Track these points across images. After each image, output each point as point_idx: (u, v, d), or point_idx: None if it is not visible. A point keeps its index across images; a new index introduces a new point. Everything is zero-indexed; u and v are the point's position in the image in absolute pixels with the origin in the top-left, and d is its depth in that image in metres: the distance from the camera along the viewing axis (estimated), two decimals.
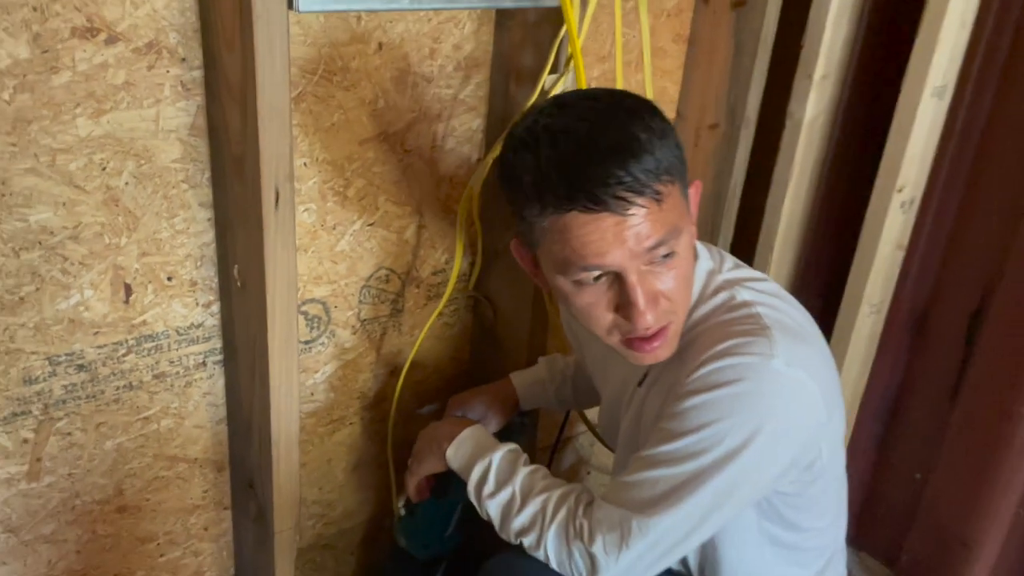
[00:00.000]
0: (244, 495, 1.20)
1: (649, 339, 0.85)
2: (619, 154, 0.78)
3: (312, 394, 1.27)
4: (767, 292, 0.91)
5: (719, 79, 1.44)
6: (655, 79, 1.45)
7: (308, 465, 1.31)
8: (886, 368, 1.61)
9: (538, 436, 1.42)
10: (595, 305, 0.85)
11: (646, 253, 0.81)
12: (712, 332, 0.87)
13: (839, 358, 1.50)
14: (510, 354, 1.34)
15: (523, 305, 1.30)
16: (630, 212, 0.78)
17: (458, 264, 1.27)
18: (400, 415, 1.32)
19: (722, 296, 0.90)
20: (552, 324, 1.32)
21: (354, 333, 1.27)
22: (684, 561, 1.06)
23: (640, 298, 0.82)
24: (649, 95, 1.31)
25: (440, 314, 1.35)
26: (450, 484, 1.17)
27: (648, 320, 0.83)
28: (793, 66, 1.43)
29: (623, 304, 0.83)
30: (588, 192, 0.78)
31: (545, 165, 0.80)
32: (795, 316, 0.90)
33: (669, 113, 1.45)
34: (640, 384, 0.97)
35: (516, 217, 0.87)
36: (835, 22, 1.37)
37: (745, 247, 1.63)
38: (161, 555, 1.22)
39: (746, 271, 0.95)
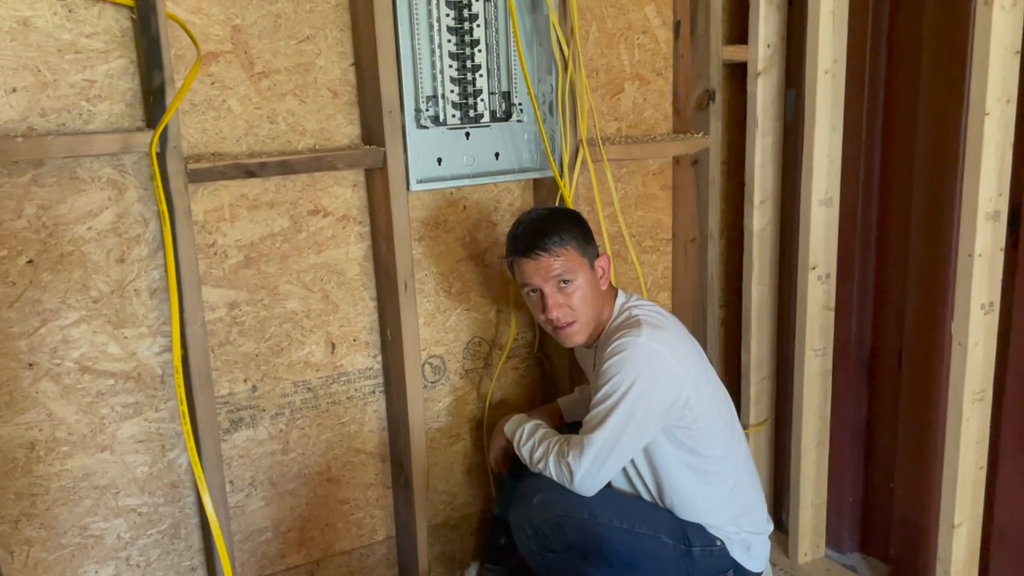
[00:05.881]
0: (397, 471, 2.00)
1: (562, 328, 1.65)
2: (541, 234, 1.62)
3: (438, 416, 2.08)
4: (648, 309, 1.66)
5: (692, 210, 2.20)
6: (651, 214, 2.24)
7: (438, 464, 2.10)
8: (851, 402, 2.18)
9: None
10: (535, 306, 1.68)
11: (552, 279, 1.61)
12: (616, 331, 1.62)
13: (799, 390, 2.10)
14: (562, 390, 2.09)
15: (565, 359, 2.07)
16: (541, 259, 1.61)
17: (512, 334, 2.08)
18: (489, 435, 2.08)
19: (625, 314, 1.66)
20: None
21: (461, 378, 2.09)
22: (648, 491, 1.73)
23: (549, 302, 1.63)
24: (644, 224, 2.11)
25: (516, 368, 2.15)
26: (523, 468, 1.90)
27: (554, 314, 1.62)
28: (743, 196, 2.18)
29: (545, 307, 1.63)
30: (524, 251, 1.62)
31: (513, 238, 1.67)
32: (662, 320, 1.64)
33: (665, 235, 2.24)
34: (594, 368, 1.71)
35: (507, 259, 1.72)
36: (761, 167, 2.11)
37: (733, 319, 2.32)
38: (351, 514, 2.03)
39: (642, 302, 1.70)
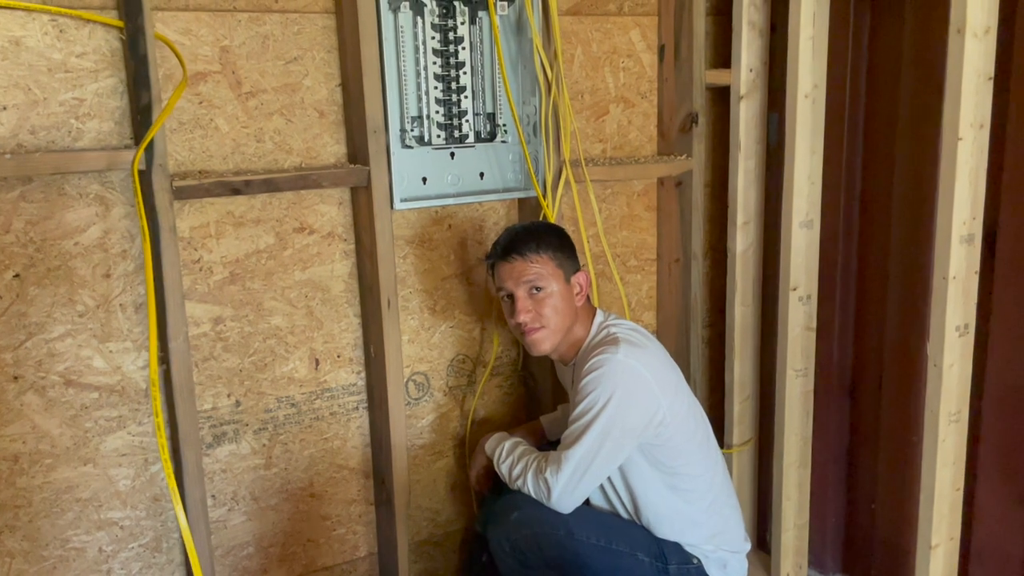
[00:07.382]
0: (379, 488, 2.01)
1: (529, 333, 1.68)
2: (519, 241, 1.67)
3: (421, 433, 2.09)
4: (627, 327, 1.68)
5: (676, 231, 2.22)
6: (636, 234, 2.26)
7: (421, 481, 2.11)
8: (833, 422, 2.20)
9: None
10: (507, 310, 1.72)
11: (524, 284, 1.65)
12: (594, 348, 1.64)
13: (781, 410, 2.11)
14: (545, 408, 2.11)
15: (548, 377, 2.08)
16: (515, 263, 1.66)
17: (495, 352, 2.10)
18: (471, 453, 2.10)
19: (603, 332, 1.68)
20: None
21: (445, 395, 2.10)
22: (625, 509, 1.74)
23: (518, 305, 1.66)
24: (629, 245, 2.13)
25: (499, 386, 2.16)
26: (505, 485, 1.91)
27: (522, 317, 1.66)
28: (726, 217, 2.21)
29: (514, 311, 1.67)
30: (500, 255, 1.67)
31: (494, 244, 1.72)
32: (639, 338, 1.66)
33: (650, 256, 2.26)
34: (572, 385, 1.73)
35: (487, 262, 1.76)
36: (744, 189, 2.14)
37: (717, 340, 2.33)
38: (334, 530, 2.04)
39: (620, 321, 1.72)
